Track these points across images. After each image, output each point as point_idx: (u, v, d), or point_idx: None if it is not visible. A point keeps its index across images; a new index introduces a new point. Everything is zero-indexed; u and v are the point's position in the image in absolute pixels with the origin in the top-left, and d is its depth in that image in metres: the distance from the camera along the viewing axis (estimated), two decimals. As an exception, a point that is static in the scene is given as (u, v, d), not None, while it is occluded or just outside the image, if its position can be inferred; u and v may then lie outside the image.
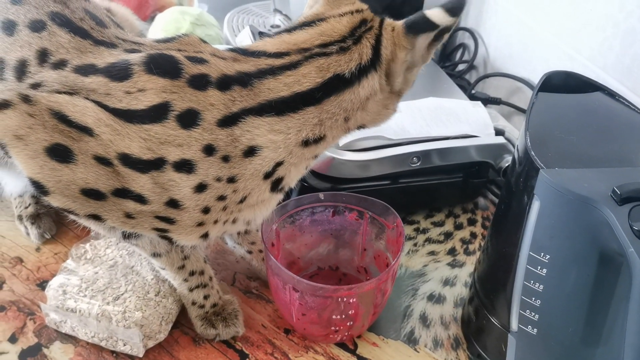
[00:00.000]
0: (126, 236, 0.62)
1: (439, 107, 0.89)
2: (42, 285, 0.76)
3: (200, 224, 0.58)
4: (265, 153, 0.56)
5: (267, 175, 0.58)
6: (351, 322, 0.66)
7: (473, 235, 0.88)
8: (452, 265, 0.82)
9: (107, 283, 0.70)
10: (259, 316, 0.74)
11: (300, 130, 0.57)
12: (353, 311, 0.65)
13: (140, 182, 0.55)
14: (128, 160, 0.54)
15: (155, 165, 0.54)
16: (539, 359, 0.62)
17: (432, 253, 0.84)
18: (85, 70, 0.57)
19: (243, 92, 0.55)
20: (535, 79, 1.00)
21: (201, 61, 0.56)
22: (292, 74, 0.57)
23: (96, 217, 0.58)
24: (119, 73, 0.55)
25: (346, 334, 0.68)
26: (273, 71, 0.57)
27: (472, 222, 0.90)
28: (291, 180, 0.62)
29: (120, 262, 0.73)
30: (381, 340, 0.72)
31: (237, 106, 0.55)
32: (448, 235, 0.88)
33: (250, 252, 0.77)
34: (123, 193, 0.55)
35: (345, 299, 0.63)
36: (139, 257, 0.74)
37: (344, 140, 0.80)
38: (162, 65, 0.54)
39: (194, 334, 0.71)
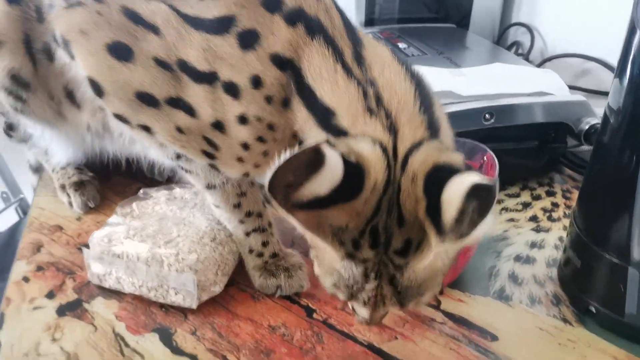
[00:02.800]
0: (179, 156, 0.57)
1: (508, 71, 0.83)
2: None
3: (240, 160, 0.53)
4: (289, 112, 0.50)
5: (294, 136, 0.51)
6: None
7: (555, 204, 0.79)
8: (537, 230, 0.73)
9: (157, 230, 0.62)
10: (324, 275, 0.65)
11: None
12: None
13: (192, 92, 0.51)
14: (185, 67, 0.51)
15: (208, 78, 0.50)
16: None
17: (511, 220, 0.76)
18: None
19: (302, 38, 0.48)
20: (606, 57, 0.94)
21: None
22: (334, 76, 0.48)
23: (147, 129, 0.55)
24: None
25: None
26: (328, 41, 0.49)
27: (550, 194, 0.82)
28: None
29: (170, 216, 0.66)
30: (467, 296, 0.62)
31: (291, 52, 0.48)
32: (526, 205, 0.79)
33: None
34: (176, 102, 0.52)
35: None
36: (191, 210, 0.67)
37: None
38: None
39: (252, 290, 0.63)
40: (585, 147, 0.85)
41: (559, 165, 0.87)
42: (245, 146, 0.52)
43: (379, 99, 0.46)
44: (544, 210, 0.78)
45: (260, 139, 0.51)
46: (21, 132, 0.77)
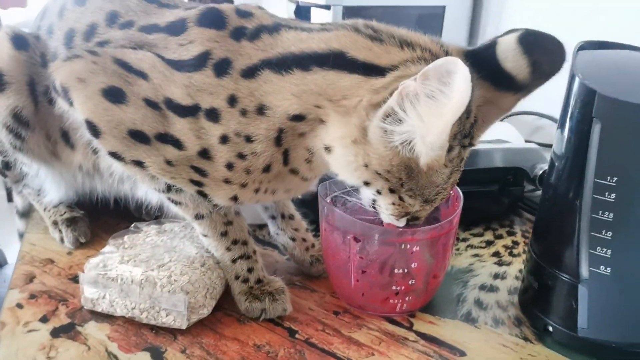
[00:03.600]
0: (169, 189, 0.63)
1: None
2: (75, 279, 0.73)
3: (227, 182, 0.59)
4: (270, 114, 0.56)
5: (277, 142, 0.57)
6: (412, 281, 0.63)
7: (515, 242, 0.86)
8: (499, 264, 0.80)
9: (150, 256, 0.67)
10: (304, 302, 0.70)
11: (285, 98, 0.55)
12: (416, 264, 0.62)
13: (178, 126, 0.58)
14: (171, 104, 0.58)
15: (191, 111, 0.57)
16: (615, 306, 0.58)
17: (476, 255, 0.82)
18: (149, 29, 0.62)
19: (267, 41, 0.57)
20: (556, 114, 1.05)
21: (247, 15, 0.60)
22: (314, 34, 0.55)
23: (140, 164, 0.60)
24: (176, 29, 0.60)
25: (406, 299, 0.64)
26: (302, 28, 0.57)
27: (511, 233, 0.89)
28: (297, 162, 0.59)
29: (162, 245, 0.71)
30: (437, 319, 0.67)
31: (258, 56, 0.56)
32: (490, 243, 0.86)
33: (293, 240, 0.74)
34: (165, 138, 0.58)
35: (408, 247, 0.60)
36: (181, 240, 0.71)
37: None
38: (210, 17, 0.60)
39: (237, 315, 0.67)
40: (540, 192, 0.94)
41: (518, 209, 0.95)
42: (229, 166, 0.58)
43: (373, 29, 0.54)
44: (506, 247, 0.85)
45: (240, 155, 0.58)
46: (17, 171, 0.81)
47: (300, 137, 0.57)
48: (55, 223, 0.82)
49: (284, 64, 0.55)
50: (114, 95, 0.58)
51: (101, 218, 0.87)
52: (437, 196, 0.57)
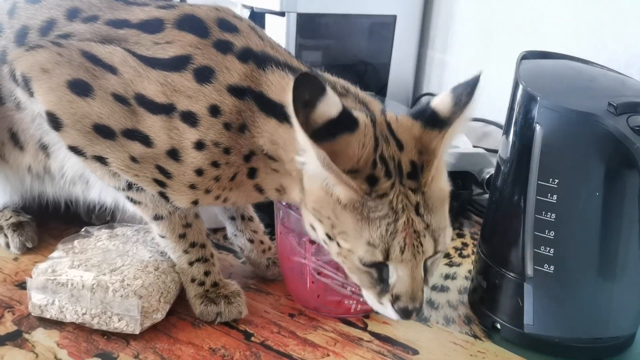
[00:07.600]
0: (130, 187, 0.62)
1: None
2: (22, 285, 0.70)
3: (193, 187, 0.59)
4: (248, 136, 0.58)
5: (246, 159, 0.58)
6: (365, 282, 0.64)
7: (464, 244, 0.89)
8: (450, 265, 0.82)
9: (102, 260, 0.66)
10: (260, 305, 0.70)
11: (260, 135, 0.57)
12: (368, 265, 0.63)
13: (149, 122, 0.57)
14: (142, 100, 0.57)
15: (165, 109, 0.57)
16: (558, 303, 0.61)
17: (427, 257, 0.84)
18: (119, 24, 0.61)
19: (255, 72, 0.57)
20: (502, 121, 1.09)
21: (232, 29, 0.60)
22: (284, 76, 0.57)
23: (102, 160, 0.59)
24: (151, 27, 0.59)
25: (360, 300, 0.65)
26: (288, 66, 0.58)
27: (461, 235, 0.92)
28: (265, 184, 0.60)
29: (114, 249, 0.69)
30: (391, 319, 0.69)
31: (247, 82, 0.57)
32: (440, 245, 0.88)
33: (251, 241, 0.74)
34: (132, 134, 0.58)
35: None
36: (134, 244, 0.70)
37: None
38: (193, 24, 0.59)
39: (192, 319, 0.66)
40: (487, 195, 0.97)
41: (467, 212, 0.98)
42: (199, 172, 0.58)
43: (343, 88, 0.58)
44: (456, 248, 0.87)
45: (215, 164, 0.58)
46: (-40, 174, 0.78)
47: (274, 173, 0.59)
48: (0, 228, 0.80)
49: (266, 107, 0.57)
50: (80, 88, 0.57)
51: (49, 223, 0.85)
52: (384, 241, 0.49)
